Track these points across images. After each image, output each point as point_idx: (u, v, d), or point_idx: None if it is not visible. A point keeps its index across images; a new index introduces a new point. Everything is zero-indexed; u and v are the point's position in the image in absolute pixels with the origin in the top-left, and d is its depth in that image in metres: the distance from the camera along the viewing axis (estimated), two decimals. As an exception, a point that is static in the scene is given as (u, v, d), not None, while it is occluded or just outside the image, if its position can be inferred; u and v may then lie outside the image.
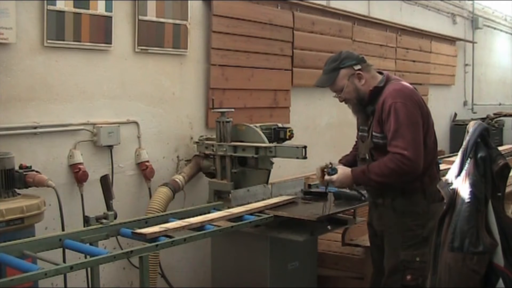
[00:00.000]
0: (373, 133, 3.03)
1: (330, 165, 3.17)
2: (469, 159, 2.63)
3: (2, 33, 3.14)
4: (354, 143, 3.45)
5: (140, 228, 2.81)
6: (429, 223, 2.96)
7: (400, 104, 2.91)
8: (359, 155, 3.21)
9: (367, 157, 3.10)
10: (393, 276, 3.04)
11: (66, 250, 2.77)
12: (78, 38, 3.53)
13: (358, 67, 3.08)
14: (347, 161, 3.34)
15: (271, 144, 3.75)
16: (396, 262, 3.02)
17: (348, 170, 3.10)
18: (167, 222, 2.96)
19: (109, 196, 2.88)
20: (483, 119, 8.17)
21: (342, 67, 3.08)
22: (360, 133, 3.23)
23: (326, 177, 3.16)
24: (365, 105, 3.09)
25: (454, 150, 6.84)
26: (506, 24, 11.17)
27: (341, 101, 3.18)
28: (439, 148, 8.90)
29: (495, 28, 10.62)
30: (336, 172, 3.11)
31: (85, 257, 2.69)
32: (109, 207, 2.85)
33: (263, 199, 3.47)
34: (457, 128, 8.33)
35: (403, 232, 3.01)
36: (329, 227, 3.42)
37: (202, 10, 4.41)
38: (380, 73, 3.16)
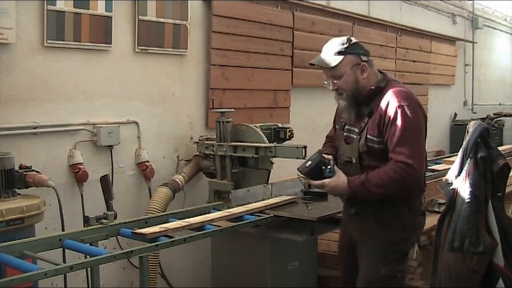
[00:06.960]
0: (368, 136, 2.73)
1: (329, 165, 2.77)
2: (469, 159, 2.64)
3: (2, 33, 3.14)
4: (326, 139, 3.22)
5: (140, 228, 2.81)
6: (412, 237, 2.83)
7: (407, 108, 2.64)
8: (342, 157, 2.89)
9: (354, 161, 2.80)
10: None
11: (66, 250, 2.77)
12: (78, 38, 3.52)
13: (365, 58, 2.78)
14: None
15: (271, 144, 3.75)
16: (375, 276, 2.77)
17: (343, 178, 2.74)
18: (167, 222, 2.96)
19: (109, 196, 2.88)
20: (483, 119, 8.16)
21: (350, 53, 2.74)
22: (345, 133, 2.89)
23: (318, 182, 2.80)
24: (360, 103, 2.79)
25: (454, 150, 6.83)
26: (506, 24, 11.16)
27: (332, 89, 2.81)
28: (439, 148, 8.83)
29: (495, 28, 10.61)
30: (333, 175, 2.76)
31: (85, 257, 2.68)
32: (109, 207, 2.85)
33: (263, 199, 3.47)
34: (457, 128, 8.32)
35: (386, 245, 2.76)
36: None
37: (202, 10, 4.40)
38: (380, 72, 2.91)
